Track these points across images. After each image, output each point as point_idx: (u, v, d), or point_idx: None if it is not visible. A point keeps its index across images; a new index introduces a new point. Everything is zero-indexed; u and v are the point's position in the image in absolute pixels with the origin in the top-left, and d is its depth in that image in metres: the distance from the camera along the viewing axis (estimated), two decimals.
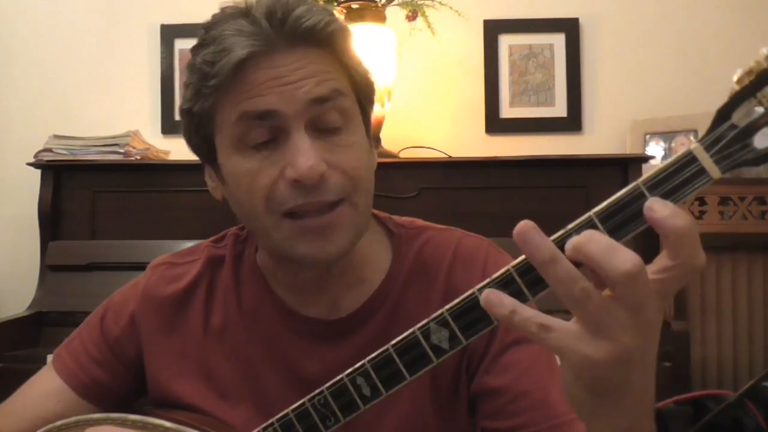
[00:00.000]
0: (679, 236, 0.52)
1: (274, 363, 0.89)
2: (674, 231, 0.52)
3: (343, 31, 0.81)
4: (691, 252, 0.52)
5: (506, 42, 2.51)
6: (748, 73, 0.53)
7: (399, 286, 0.89)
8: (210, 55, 0.77)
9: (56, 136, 2.24)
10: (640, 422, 0.59)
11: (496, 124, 2.50)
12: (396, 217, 0.95)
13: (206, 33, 0.79)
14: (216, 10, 0.81)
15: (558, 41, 2.49)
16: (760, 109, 0.53)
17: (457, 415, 0.88)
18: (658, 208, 0.52)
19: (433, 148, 2.34)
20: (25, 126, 2.56)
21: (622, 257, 0.51)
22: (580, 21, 2.49)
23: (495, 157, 2.18)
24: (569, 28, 2.49)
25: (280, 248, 0.82)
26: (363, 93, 0.85)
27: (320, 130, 0.79)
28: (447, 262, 0.89)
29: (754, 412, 1.81)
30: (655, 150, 2.37)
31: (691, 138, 2.35)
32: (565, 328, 0.55)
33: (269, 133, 0.78)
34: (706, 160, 0.53)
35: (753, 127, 0.53)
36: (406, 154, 2.29)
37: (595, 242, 0.52)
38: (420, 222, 0.95)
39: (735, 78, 0.54)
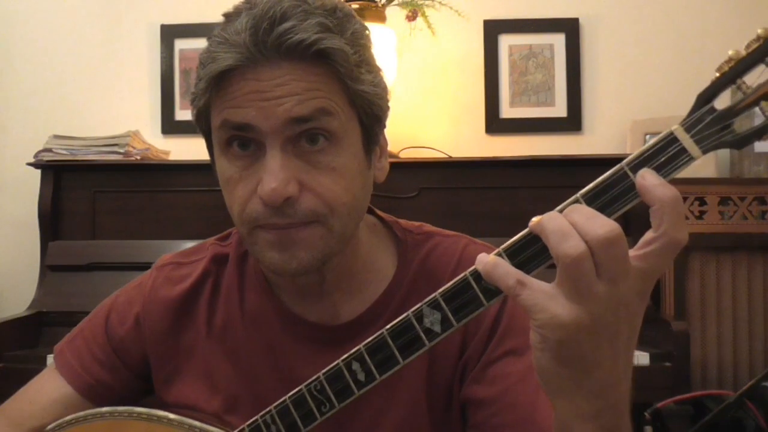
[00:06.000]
0: (664, 204, 0.55)
1: (273, 366, 0.89)
2: (660, 199, 0.55)
3: (340, 48, 0.74)
4: (673, 223, 0.55)
5: (506, 42, 2.51)
6: (728, 61, 0.57)
7: (402, 294, 0.87)
8: (203, 56, 0.77)
9: (56, 136, 2.24)
10: (609, 415, 0.60)
11: (496, 124, 2.50)
12: (403, 222, 0.93)
13: (213, 30, 0.78)
14: (215, 10, 0.80)
15: (558, 41, 2.49)
16: (738, 95, 0.57)
17: (451, 422, 0.87)
18: (649, 177, 0.56)
19: (433, 148, 2.34)
20: (25, 126, 2.56)
21: (600, 222, 0.56)
22: (580, 21, 2.49)
23: (495, 157, 2.19)
24: (569, 28, 2.49)
25: (254, 255, 0.83)
26: (366, 111, 0.80)
27: (300, 148, 0.76)
28: (451, 268, 0.87)
29: (754, 412, 1.81)
30: None
31: None
32: (540, 287, 0.58)
33: (249, 143, 0.77)
34: (686, 140, 0.57)
35: (732, 111, 0.57)
36: (406, 154, 2.29)
37: (578, 210, 0.57)
38: (428, 227, 0.93)
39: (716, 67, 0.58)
